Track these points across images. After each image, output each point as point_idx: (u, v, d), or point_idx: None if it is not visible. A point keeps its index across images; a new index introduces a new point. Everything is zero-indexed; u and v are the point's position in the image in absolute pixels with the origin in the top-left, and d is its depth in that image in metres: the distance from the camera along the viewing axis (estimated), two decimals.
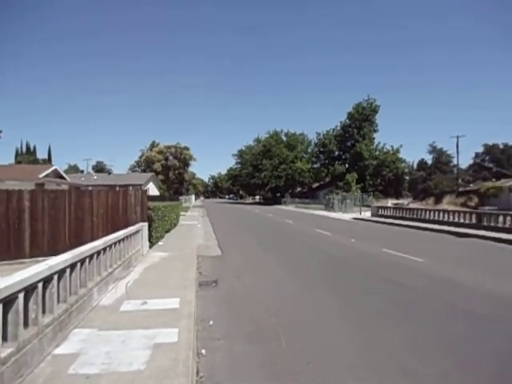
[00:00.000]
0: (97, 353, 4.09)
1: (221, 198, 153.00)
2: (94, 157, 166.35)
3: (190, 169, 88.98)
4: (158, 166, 75.87)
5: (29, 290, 3.78)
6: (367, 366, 4.15)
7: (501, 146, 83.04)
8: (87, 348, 4.23)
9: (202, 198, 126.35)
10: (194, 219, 27.62)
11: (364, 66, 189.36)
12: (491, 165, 79.30)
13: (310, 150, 77.47)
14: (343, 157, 67.52)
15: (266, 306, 6.43)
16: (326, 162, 69.08)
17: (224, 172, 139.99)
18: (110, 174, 67.31)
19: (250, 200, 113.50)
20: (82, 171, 78.65)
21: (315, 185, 75.67)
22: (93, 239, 7.85)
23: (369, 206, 36.57)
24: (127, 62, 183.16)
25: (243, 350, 4.61)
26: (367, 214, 32.41)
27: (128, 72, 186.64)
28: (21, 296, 3.58)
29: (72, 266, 5.06)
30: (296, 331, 5.23)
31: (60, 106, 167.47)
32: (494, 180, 54.64)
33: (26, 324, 3.71)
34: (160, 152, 79.21)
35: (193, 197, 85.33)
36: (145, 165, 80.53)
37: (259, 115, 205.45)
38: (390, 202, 49.61)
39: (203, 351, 4.57)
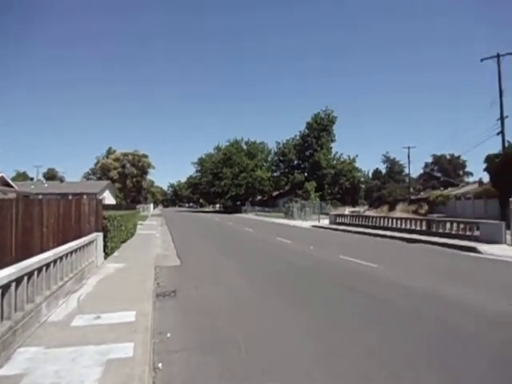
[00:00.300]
0: (44, 372, 3.84)
1: (180, 206, 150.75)
2: (45, 164, 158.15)
3: (149, 177, 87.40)
4: (114, 174, 73.63)
5: None
6: (325, 373, 4.20)
7: (448, 157, 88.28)
8: (34, 368, 3.96)
9: (160, 207, 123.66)
10: (153, 228, 26.97)
11: (320, 75, 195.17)
12: (439, 174, 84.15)
13: (270, 159, 78.46)
14: (302, 166, 68.96)
15: (225, 316, 6.37)
16: (286, 170, 70.26)
17: (184, 180, 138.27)
18: (62, 181, 64.33)
19: (210, 208, 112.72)
20: (32, 179, 74.62)
21: (275, 193, 76.57)
22: (42, 251, 7.41)
23: (327, 214, 37.47)
24: (82, 69, 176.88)
25: (201, 362, 4.52)
26: (326, 222, 33.19)
27: (83, 79, 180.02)
28: None
29: (18, 280, 4.75)
30: (255, 340, 5.21)
31: (7, 110, 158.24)
32: (441, 189, 57.99)
33: None
34: (117, 159, 76.97)
35: (151, 205, 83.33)
36: (100, 172, 77.84)
37: (219, 123, 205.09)
38: (347, 210, 51.15)
39: (160, 365, 4.44)
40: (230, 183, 72.92)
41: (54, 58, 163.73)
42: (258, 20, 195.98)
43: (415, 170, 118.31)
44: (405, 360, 4.51)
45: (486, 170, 28.82)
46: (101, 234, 10.99)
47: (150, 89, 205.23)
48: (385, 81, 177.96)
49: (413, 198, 56.55)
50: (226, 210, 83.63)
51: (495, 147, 42.67)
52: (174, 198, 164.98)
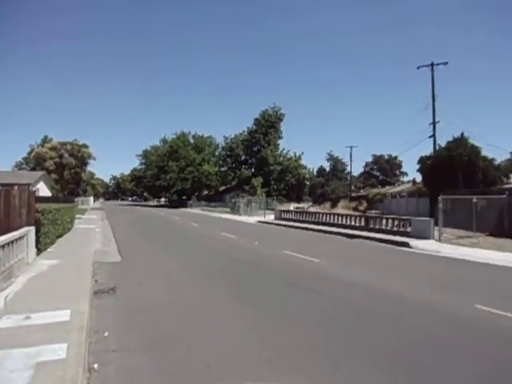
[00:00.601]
0: None
1: (123, 200, 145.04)
2: None
3: (89, 168, 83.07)
4: (50, 164, 68.99)
5: None
6: (268, 366, 4.28)
7: (386, 157, 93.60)
8: None
9: (101, 200, 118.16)
10: (92, 223, 25.70)
11: (270, 70, 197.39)
12: (378, 173, 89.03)
13: (217, 154, 77.93)
14: (250, 161, 69.31)
15: (167, 312, 6.26)
16: (233, 165, 70.21)
17: (127, 173, 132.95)
18: None
19: (154, 202, 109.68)
20: None
21: (222, 188, 76.28)
22: None
23: (273, 210, 38.10)
24: (14, 51, 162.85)
25: (141, 361, 4.40)
26: (271, 217, 33.72)
27: (14, 57, 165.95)
28: None
29: None
30: (199, 336, 5.17)
31: None
32: (380, 187, 61.52)
33: None
34: (53, 148, 72.15)
35: (91, 198, 79.40)
36: (34, 162, 72.53)
37: (166, 115, 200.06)
38: (293, 206, 52.38)
39: (95, 366, 4.25)
40: (175, 177, 71.40)
41: None
42: (199, 13, 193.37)
43: (357, 169, 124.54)
44: (342, 348, 4.73)
45: (418, 170, 30.95)
46: (33, 229, 10.28)
47: (92, 78, 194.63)
48: (329, 82, 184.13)
49: (353, 195, 59.28)
50: (172, 204, 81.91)
51: (428, 149, 45.91)
52: (116, 191, 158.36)
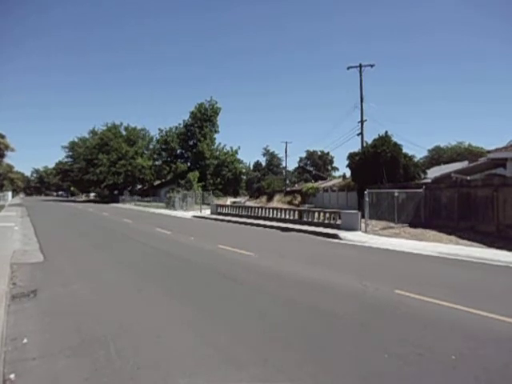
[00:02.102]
0: None
1: (47, 195, 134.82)
2: None
3: (6, 160, 75.43)
4: None
5: None
6: (200, 363, 4.25)
7: (319, 153, 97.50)
8: None
9: (22, 195, 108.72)
10: (10, 220, 23.55)
11: (204, 62, 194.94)
12: (311, 168, 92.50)
13: (151, 147, 75.41)
14: (185, 155, 68.03)
15: (96, 315, 5.93)
16: (169, 159, 68.40)
17: (52, 166, 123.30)
18: None
19: (83, 198, 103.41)
20: None
21: (157, 182, 74.06)
22: None
23: (209, 204, 37.85)
24: None
25: (64, 367, 4.13)
26: (207, 212, 33.49)
27: None
28: None
29: None
30: (127, 338, 4.97)
31: None
32: (313, 181, 63.94)
33: None
34: None
35: (9, 194, 72.56)
36: None
37: (96, 107, 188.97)
38: (229, 200, 52.53)
39: (12, 376, 3.91)
40: (106, 171, 67.82)
41: None
42: (145, 4, 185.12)
43: (291, 164, 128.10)
44: (269, 336, 4.86)
45: (348, 166, 32.64)
46: None
47: (12, 63, 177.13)
48: (265, 76, 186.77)
49: (288, 189, 61.01)
50: (102, 199, 77.83)
51: (357, 146, 48.67)
52: (39, 186, 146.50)
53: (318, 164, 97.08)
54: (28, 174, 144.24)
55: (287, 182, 70.50)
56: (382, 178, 26.31)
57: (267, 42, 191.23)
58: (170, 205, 44.39)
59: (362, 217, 18.47)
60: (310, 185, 53.48)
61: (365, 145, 32.00)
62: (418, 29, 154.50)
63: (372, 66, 33.07)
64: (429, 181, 24.54)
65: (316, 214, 21.24)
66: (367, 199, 18.52)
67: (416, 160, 30.41)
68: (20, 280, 8.22)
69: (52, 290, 7.42)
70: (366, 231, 17.52)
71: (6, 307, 5.97)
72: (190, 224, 24.69)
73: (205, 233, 18.68)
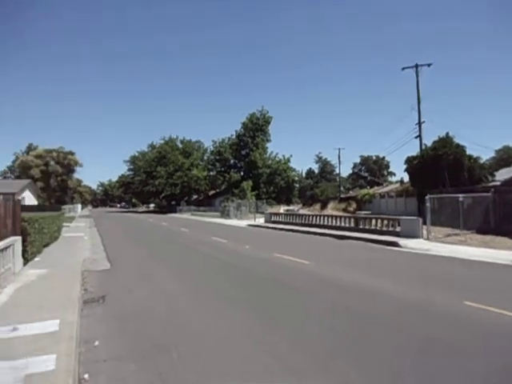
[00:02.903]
0: None
1: (111, 206, 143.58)
2: None
3: (76, 175, 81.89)
4: (36, 172, 67.82)
5: None
6: (260, 372, 4.25)
7: (374, 158, 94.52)
8: None
9: (89, 207, 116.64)
10: (80, 230, 25.36)
11: (256, 74, 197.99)
12: (366, 174, 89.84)
13: (206, 158, 77.77)
14: (238, 165, 69.28)
15: (159, 321, 6.18)
16: (222, 169, 70.06)
17: (115, 179, 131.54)
18: None
19: (143, 208, 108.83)
20: None
21: (211, 192, 76.08)
22: None
23: (263, 213, 38.09)
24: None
25: (132, 370, 4.34)
26: (261, 221, 33.72)
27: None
28: None
29: None
30: (189, 344, 5.11)
31: None
32: (368, 187, 61.99)
33: None
34: (39, 156, 71.00)
35: (79, 206, 78.34)
36: (20, 170, 71.30)
37: (153, 120, 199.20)
38: (282, 209, 52.52)
39: (86, 376, 4.18)
40: (164, 182, 71.04)
41: None
42: (185, 14, 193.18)
43: (345, 170, 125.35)
44: (331, 347, 4.74)
45: (406, 170, 31.28)
46: (19, 239, 10.10)
47: (78, 85, 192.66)
48: (316, 83, 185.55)
49: (343, 196, 59.65)
50: (161, 209, 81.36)
51: (415, 149, 46.53)
52: (104, 198, 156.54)
53: (373, 169, 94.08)
54: (94, 187, 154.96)
55: (341, 188, 68.94)
56: (444, 182, 24.87)
57: (318, 49, 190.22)
58: (224, 214, 45.29)
59: (423, 223, 17.55)
60: (365, 191, 51.95)
61: (423, 148, 30.50)
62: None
63: (429, 65, 31.59)
64: (498, 184, 22.77)
65: (373, 221, 20.55)
66: (428, 205, 17.58)
67: (482, 162, 28.41)
68: (90, 286, 8.80)
69: (119, 296, 7.85)
70: (428, 238, 16.61)
71: (79, 311, 6.41)
72: (245, 232, 24.98)
73: (260, 241, 18.80)
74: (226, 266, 11.58)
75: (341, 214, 34.96)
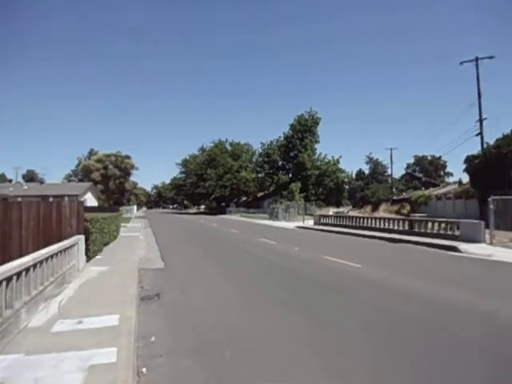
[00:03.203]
0: (24, 380, 3.74)
1: (164, 208, 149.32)
2: (25, 165, 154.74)
3: (132, 178, 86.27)
4: (96, 176, 72.45)
5: None
6: (310, 374, 4.21)
7: (429, 158, 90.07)
8: (12, 376, 3.85)
9: (144, 209, 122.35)
10: (136, 230, 26.63)
11: (306, 74, 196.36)
12: (421, 175, 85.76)
13: (254, 160, 78.45)
14: (287, 167, 69.09)
15: (211, 320, 6.32)
16: (271, 171, 70.23)
17: (168, 181, 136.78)
18: (42, 183, 62.87)
19: (194, 210, 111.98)
20: (11, 180, 72.79)
21: (260, 194, 76.56)
22: (21, 255, 7.23)
23: (312, 215, 37.70)
24: (60, 67, 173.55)
25: (186, 366, 4.47)
26: (310, 223, 33.38)
27: (62, 77, 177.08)
28: None
29: None
30: (241, 344, 5.18)
31: None
32: (423, 189, 59.11)
33: None
34: (99, 161, 75.80)
35: (134, 207, 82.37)
36: (82, 174, 76.53)
37: (204, 123, 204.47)
38: (332, 211, 51.65)
39: (144, 370, 4.37)
40: (214, 184, 72.71)
41: (34, 56, 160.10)
42: (244, 15, 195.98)
43: (397, 171, 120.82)
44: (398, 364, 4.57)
45: (465, 170, 29.48)
46: (82, 237, 10.80)
47: (133, 88, 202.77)
48: (366, 83, 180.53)
49: (395, 198, 57.45)
50: (211, 211, 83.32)
51: (474, 148, 43.67)
52: (157, 200, 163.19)
53: (428, 170, 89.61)
54: (149, 189, 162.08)
55: (393, 190, 66.42)
56: (509, 182, 23.09)
57: (370, 49, 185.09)
58: (273, 215, 45.40)
59: (486, 227, 16.41)
60: (419, 192, 49.58)
61: (485, 146, 28.54)
62: None
63: (491, 57, 29.55)
64: None
65: (429, 224, 19.56)
66: (492, 207, 16.41)
67: None
68: (146, 284, 9.21)
69: (172, 295, 8.13)
70: (491, 243, 15.50)
71: (136, 308, 6.73)
72: (294, 234, 24.86)
73: (309, 243, 18.61)
74: (275, 267, 11.59)
75: (393, 216, 33.68)
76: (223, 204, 78.02)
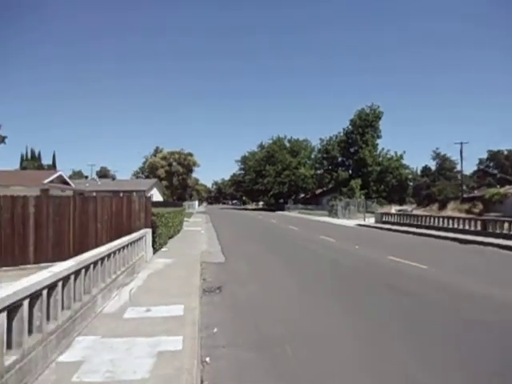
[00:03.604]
0: (100, 361, 4.07)
1: (224, 203, 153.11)
2: (98, 162, 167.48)
3: (194, 175, 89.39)
4: (161, 172, 76.19)
5: (33, 297, 3.77)
6: (375, 377, 4.09)
7: (505, 153, 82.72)
8: (91, 356, 4.20)
9: (205, 204, 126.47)
10: (198, 225, 27.61)
11: (366, 69, 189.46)
12: (495, 171, 79.05)
13: (313, 156, 77.53)
14: (347, 163, 67.42)
15: (271, 314, 6.39)
16: (330, 168, 68.95)
17: (227, 178, 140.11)
18: (113, 179, 67.50)
19: (253, 206, 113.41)
20: (87, 177, 79.00)
21: (318, 191, 75.57)
22: (97, 245, 7.85)
23: (372, 213, 36.42)
24: (129, 64, 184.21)
25: (248, 359, 4.57)
26: (371, 221, 32.29)
27: (130, 75, 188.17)
28: (25, 303, 3.57)
29: (76, 273, 5.05)
30: (301, 340, 5.18)
31: (63, 112, 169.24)
32: (498, 186, 54.40)
33: (30, 331, 3.69)
34: (164, 158, 79.65)
35: (196, 203, 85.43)
36: (148, 171, 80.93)
37: (263, 120, 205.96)
38: (394, 209, 49.49)
39: (207, 359, 4.54)
40: (272, 181, 73.06)
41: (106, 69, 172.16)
42: (300, 14, 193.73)
43: (468, 167, 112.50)
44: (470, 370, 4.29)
45: None
46: (150, 230, 11.43)
47: (196, 87, 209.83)
48: (432, 75, 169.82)
49: (465, 196, 53.47)
50: (269, 207, 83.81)
51: None
52: (217, 196, 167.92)
53: (504, 166, 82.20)
54: (209, 185, 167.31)
55: (463, 187, 61.96)
56: None
57: (434, 34, 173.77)
58: (332, 213, 44.58)
59: None
60: (494, 190, 45.64)
61: None
62: None
63: None
64: None
65: (506, 225, 17.95)
66: None
67: None
68: (208, 276, 9.53)
69: (233, 288, 8.33)
70: None
71: (199, 299, 7.00)
72: (354, 232, 24.22)
73: (370, 242, 18.02)
74: (335, 265, 11.38)
75: (463, 215, 31.42)
76: (281, 200, 78.12)
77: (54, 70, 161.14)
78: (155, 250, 12.24)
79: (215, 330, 5.58)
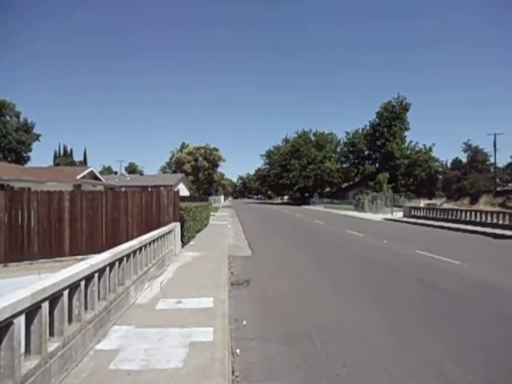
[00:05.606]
0: (136, 349, 4.21)
1: (249, 198, 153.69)
2: (127, 158, 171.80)
3: (219, 169, 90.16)
4: (188, 167, 77.34)
5: (72, 288, 3.94)
6: (405, 371, 4.05)
7: None
8: (126, 344, 4.36)
9: (230, 199, 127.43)
10: (224, 219, 27.86)
11: (393, 62, 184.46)
12: None
13: (338, 150, 76.52)
14: (373, 156, 66.16)
15: (299, 308, 6.40)
16: (356, 161, 67.89)
17: (252, 172, 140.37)
18: (141, 175, 69.14)
19: (278, 200, 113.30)
20: (116, 172, 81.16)
21: (344, 185, 74.65)
22: (128, 239, 8.09)
23: (400, 207, 35.68)
24: (156, 58, 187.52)
25: (277, 351, 4.61)
26: (399, 215, 31.62)
27: (156, 69, 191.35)
28: (65, 293, 3.74)
29: (111, 265, 5.23)
30: (330, 334, 5.18)
31: (94, 110, 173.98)
32: None
33: (70, 320, 3.87)
34: (190, 153, 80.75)
35: (222, 197, 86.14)
36: (175, 166, 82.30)
37: (288, 114, 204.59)
38: (423, 203, 48.29)
39: (238, 351, 4.61)
40: (298, 175, 72.59)
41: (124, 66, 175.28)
42: (326, 8, 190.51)
43: (502, 159, 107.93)
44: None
45: None
46: (178, 224, 11.64)
47: (222, 81, 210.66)
48: (464, 61, 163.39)
49: (499, 189, 51.48)
50: (294, 201, 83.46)
51: None
52: (243, 190, 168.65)
53: None
54: (235, 180, 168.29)
55: (497, 180, 59.59)
56: None
57: (459, 27, 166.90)
58: (358, 207, 43.92)
59: None
60: None
61: None
62: None
63: None
64: None
65: None
66: None
67: None
68: (235, 270, 9.64)
69: (261, 281, 8.39)
70: None
71: (228, 292, 7.10)
72: (381, 227, 23.80)
73: (398, 236, 17.68)
74: (364, 260, 11.25)
75: (497, 209, 30.28)
76: (307, 195, 77.59)
77: (76, 66, 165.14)
78: (183, 244, 12.46)
79: (244, 322, 5.65)
